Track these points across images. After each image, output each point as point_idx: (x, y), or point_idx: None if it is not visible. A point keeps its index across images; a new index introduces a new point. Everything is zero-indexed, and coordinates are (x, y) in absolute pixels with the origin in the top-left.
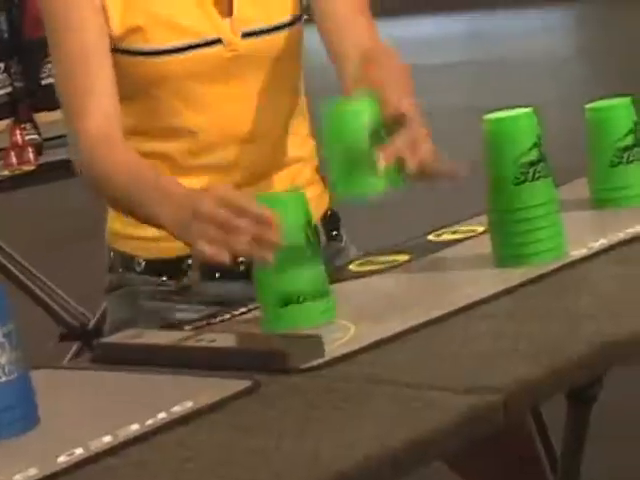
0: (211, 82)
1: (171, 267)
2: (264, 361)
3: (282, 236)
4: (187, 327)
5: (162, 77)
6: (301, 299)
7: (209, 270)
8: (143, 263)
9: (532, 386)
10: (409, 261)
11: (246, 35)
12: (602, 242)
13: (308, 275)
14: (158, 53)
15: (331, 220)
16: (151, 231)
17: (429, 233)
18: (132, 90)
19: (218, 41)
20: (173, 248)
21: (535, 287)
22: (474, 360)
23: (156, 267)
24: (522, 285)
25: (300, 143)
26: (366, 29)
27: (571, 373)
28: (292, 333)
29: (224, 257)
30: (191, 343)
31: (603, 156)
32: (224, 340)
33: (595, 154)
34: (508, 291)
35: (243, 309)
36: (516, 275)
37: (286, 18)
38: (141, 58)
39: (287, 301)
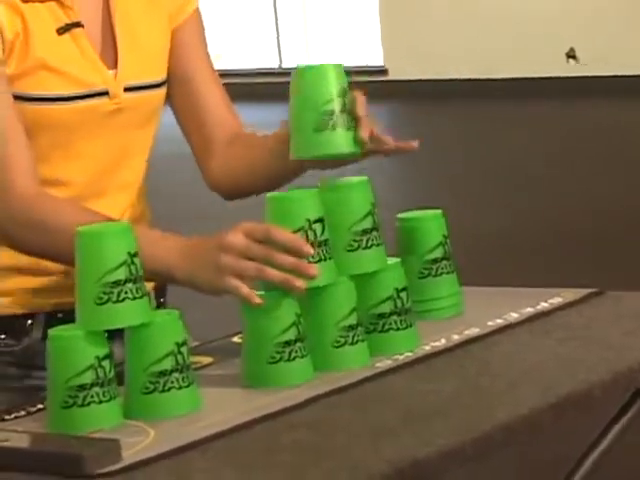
0: (89, 133)
1: (12, 325)
2: (58, 464)
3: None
4: None
5: (43, 125)
6: (86, 401)
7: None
8: None
9: None
10: (213, 363)
11: (128, 89)
12: (408, 355)
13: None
14: (46, 100)
15: (161, 286)
16: None
17: (235, 335)
18: None
19: (105, 93)
20: (15, 305)
21: (340, 398)
22: (273, 472)
23: None
24: (327, 395)
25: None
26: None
27: None
28: (89, 436)
29: (257, 300)
30: None
31: (412, 267)
32: (18, 440)
33: (404, 265)
34: (313, 400)
35: (40, 405)
36: (322, 384)
37: (161, 77)
38: (25, 104)
39: (71, 403)
